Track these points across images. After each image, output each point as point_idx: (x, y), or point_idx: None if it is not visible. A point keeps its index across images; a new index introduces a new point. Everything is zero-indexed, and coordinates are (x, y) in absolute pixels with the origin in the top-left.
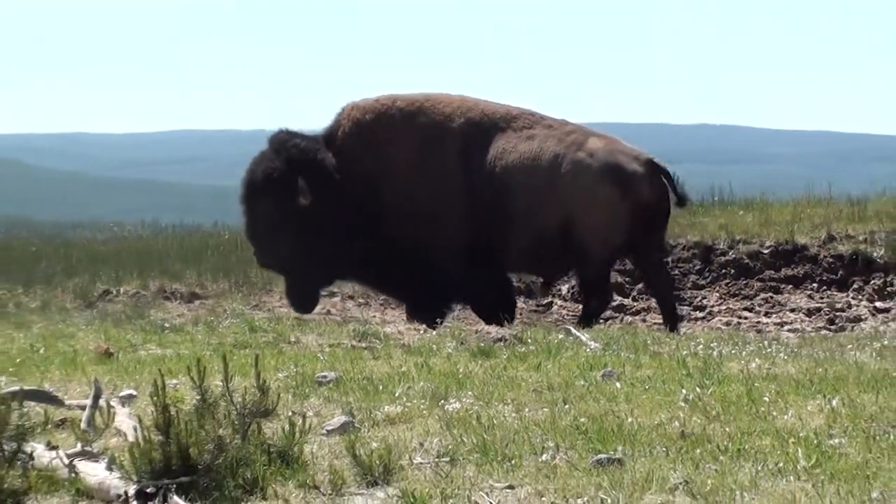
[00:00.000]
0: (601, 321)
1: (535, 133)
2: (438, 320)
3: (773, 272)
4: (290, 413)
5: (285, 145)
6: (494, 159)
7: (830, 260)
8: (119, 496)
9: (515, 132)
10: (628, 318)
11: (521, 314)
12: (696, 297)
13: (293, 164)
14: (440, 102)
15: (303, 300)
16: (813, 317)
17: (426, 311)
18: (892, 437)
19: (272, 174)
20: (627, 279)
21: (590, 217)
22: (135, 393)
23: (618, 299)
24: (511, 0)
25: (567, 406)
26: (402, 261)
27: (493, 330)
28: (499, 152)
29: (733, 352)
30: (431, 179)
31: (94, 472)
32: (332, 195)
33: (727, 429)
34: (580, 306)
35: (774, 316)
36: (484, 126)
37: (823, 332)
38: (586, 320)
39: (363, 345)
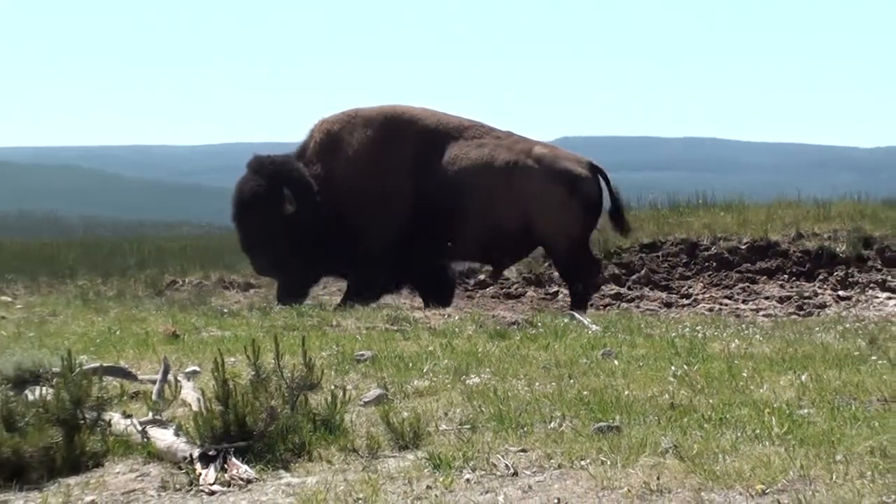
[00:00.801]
0: (601, 308)
1: (486, 142)
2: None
3: (749, 265)
4: (332, 386)
5: (262, 165)
6: (448, 164)
7: (799, 254)
8: (185, 458)
9: (467, 141)
10: (624, 305)
11: (532, 302)
12: (682, 287)
13: (273, 179)
14: (399, 111)
15: (293, 297)
16: (784, 304)
17: (371, 292)
18: (853, 408)
19: (257, 191)
20: (623, 270)
21: (547, 214)
22: (198, 369)
23: (615, 288)
24: (503, 13)
25: (572, 381)
26: (364, 250)
27: (508, 315)
28: (452, 158)
29: (715, 334)
30: (387, 179)
31: (163, 438)
32: (310, 202)
33: (711, 400)
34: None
35: (751, 303)
36: (438, 134)
37: (793, 317)
38: (578, 303)
39: (395, 328)
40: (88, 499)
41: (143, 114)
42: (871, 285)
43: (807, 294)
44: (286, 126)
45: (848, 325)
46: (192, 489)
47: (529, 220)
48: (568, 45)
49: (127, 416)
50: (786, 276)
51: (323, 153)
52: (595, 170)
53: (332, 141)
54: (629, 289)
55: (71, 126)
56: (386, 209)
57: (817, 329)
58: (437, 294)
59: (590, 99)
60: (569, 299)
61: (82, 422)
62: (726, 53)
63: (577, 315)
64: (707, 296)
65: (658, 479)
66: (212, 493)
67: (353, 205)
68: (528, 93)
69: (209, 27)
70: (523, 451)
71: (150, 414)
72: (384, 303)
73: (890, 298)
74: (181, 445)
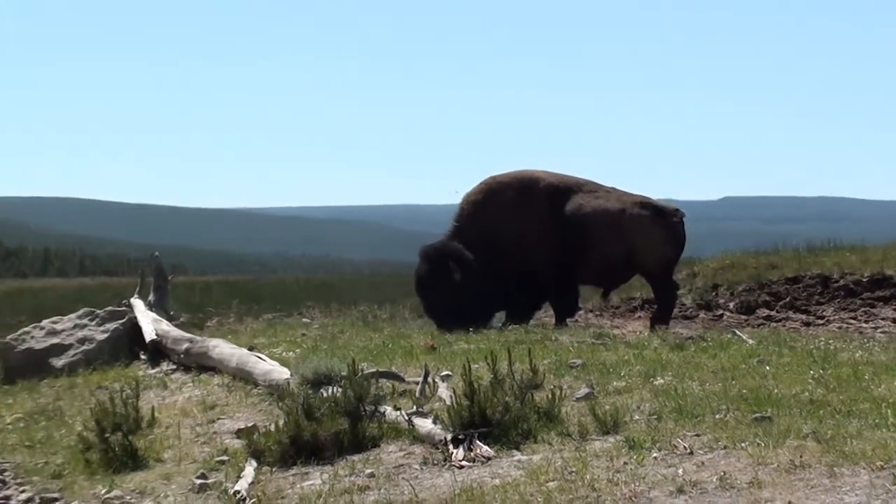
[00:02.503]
0: (756, 327)
1: (600, 195)
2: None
3: (869, 294)
4: (551, 386)
5: (429, 251)
6: (573, 211)
7: None
8: (441, 441)
9: (586, 194)
10: (773, 325)
11: (703, 321)
12: (818, 310)
13: (440, 260)
14: (527, 175)
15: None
16: None
17: (523, 316)
18: None
19: (430, 269)
20: (773, 298)
21: (649, 246)
22: (450, 373)
23: (766, 311)
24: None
25: (734, 382)
26: (514, 286)
27: (685, 332)
28: (576, 206)
29: (844, 346)
30: (529, 226)
31: (424, 425)
32: (470, 266)
33: (840, 397)
34: (745, 317)
35: (871, 323)
36: (562, 190)
37: None
38: (665, 311)
39: (599, 342)
40: (368, 471)
41: (413, 176)
42: None
43: None
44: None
45: None
46: (446, 464)
47: (633, 252)
48: (728, 114)
49: (397, 408)
50: None
51: (473, 218)
52: (680, 214)
53: (478, 207)
54: (777, 312)
55: (363, 188)
56: (534, 251)
57: None
58: (570, 309)
59: (748, 160)
60: (731, 320)
61: (363, 413)
62: (848, 120)
63: (737, 332)
64: (837, 317)
65: (801, 457)
66: (461, 467)
67: (508, 253)
68: (691, 154)
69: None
70: (697, 435)
71: (414, 407)
72: (591, 322)
73: None
74: (438, 431)
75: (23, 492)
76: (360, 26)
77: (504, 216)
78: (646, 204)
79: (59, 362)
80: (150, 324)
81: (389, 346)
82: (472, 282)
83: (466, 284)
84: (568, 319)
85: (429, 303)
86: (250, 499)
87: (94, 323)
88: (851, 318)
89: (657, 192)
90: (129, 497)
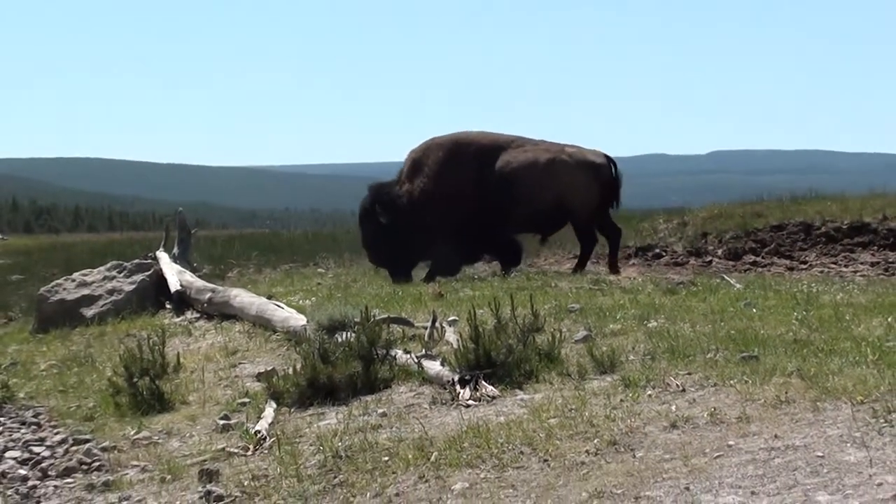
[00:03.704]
0: (742, 272)
1: (528, 149)
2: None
3: (849, 240)
4: (552, 330)
5: (370, 189)
6: (503, 165)
7: (885, 231)
8: (448, 381)
9: (515, 150)
10: (759, 270)
11: (693, 268)
12: (801, 256)
13: (372, 200)
14: (462, 137)
15: (400, 280)
16: (874, 267)
17: (449, 268)
18: None
19: (366, 208)
20: (758, 245)
21: (575, 193)
22: (457, 318)
23: (752, 258)
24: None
25: (723, 323)
26: (443, 237)
27: (676, 277)
28: (505, 163)
29: (825, 289)
30: (459, 180)
31: (432, 367)
32: (399, 211)
33: (822, 336)
34: (732, 263)
35: (850, 267)
36: (492, 149)
37: (881, 277)
38: (585, 256)
39: (596, 287)
40: (381, 411)
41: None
42: None
43: (891, 260)
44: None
45: None
46: (453, 403)
47: (561, 199)
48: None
49: (407, 352)
50: (875, 247)
51: (413, 171)
52: (609, 159)
53: (417, 162)
54: (762, 258)
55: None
56: (460, 206)
57: None
58: (511, 258)
59: (734, 116)
60: (720, 266)
61: (376, 356)
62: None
63: (725, 277)
64: (819, 262)
65: (786, 393)
66: (468, 406)
67: (438, 207)
68: (680, 110)
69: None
70: (689, 374)
71: (423, 350)
72: (588, 270)
73: None
74: (445, 372)
75: (57, 433)
76: None
77: (437, 174)
78: (572, 153)
79: (89, 312)
80: (175, 275)
81: (399, 293)
82: (395, 228)
83: (390, 229)
84: (513, 268)
85: (362, 236)
86: (270, 437)
87: (122, 275)
88: (832, 262)
89: (649, 147)
90: (156, 437)
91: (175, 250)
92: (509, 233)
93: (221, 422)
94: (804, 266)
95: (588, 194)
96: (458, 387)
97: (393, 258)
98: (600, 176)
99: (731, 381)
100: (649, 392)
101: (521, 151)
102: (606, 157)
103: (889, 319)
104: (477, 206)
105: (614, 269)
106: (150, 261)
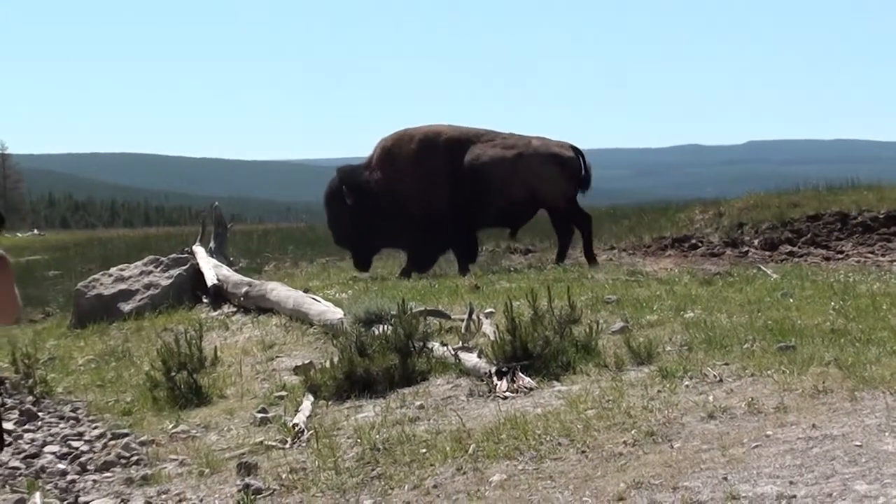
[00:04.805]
0: (779, 262)
1: (497, 143)
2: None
3: (885, 229)
4: (589, 321)
5: (339, 171)
6: (472, 159)
7: None
8: (485, 373)
9: (484, 143)
10: (796, 260)
11: (729, 258)
12: (838, 246)
13: (341, 181)
14: (432, 130)
15: (361, 264)
16: None
17: (425, 262)
18: None
19: (333, 189)
20: (795, 234)
21: (545, 185)
22: (493, 310)
23: (789, 248)
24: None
25: (759, 314)
26: (412, 229)
27: (712, 268)
28: (474, 156)
29: (862, 279)
30: (429, 173)
31: (469, 359)
32: (366, 196)
33: (860, 326)
34: (768, 253)
35: (887, 256)
36: (461, 142)
37: None
38: (564, 249)
39: (633, 279)
40: (418, 403)
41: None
42: None
43: None
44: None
45: None
46: (490, 395)
47: (533, 191)
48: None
49: (444, 344)
50: None
51: (382, 161)
52: (576, 151)
53: (387, 153)
54: (799, 248)
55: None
56: (429, 199)
57: None
58: (470, 256)
59: (771, 106)
60: (756, 256)
61: (412, 349)
62: (866, 64)
63: (762, 268)
64: (855, 252)
65: (824, 382)
66: (505, 398)
67: (407, 198)
68: (717, 100)
69: None
70: (726, 364)
71: (460, 343)
72: (623, 261)
73: None
74: (482, 364)
75: (95, 428)
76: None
77: (406, 166)
78: (538, 146)
79: (126, 307)
80: (212, 269)
81: (436, 286)
82: (361, 212)
83: (355, 213)
84: (470, 264)
85: (327, 216)
86: (308, 430)
87: (158, 269)
88: (869, 252)
89: (685, 138)
90: (194, 431)
91: (211, 244)
92: (477, 226)
93: (259, 415)
94: (841, 256)
95: (557, 186)
96: (495, 379)
97: (356, 241)
98: (567, 167)
99: (769, 371)
100: (686, 383)
101: (490, 146)
102: (573, 148)
103: None
104: (445, 198)
105: (591, 258)
106: (186, 255)
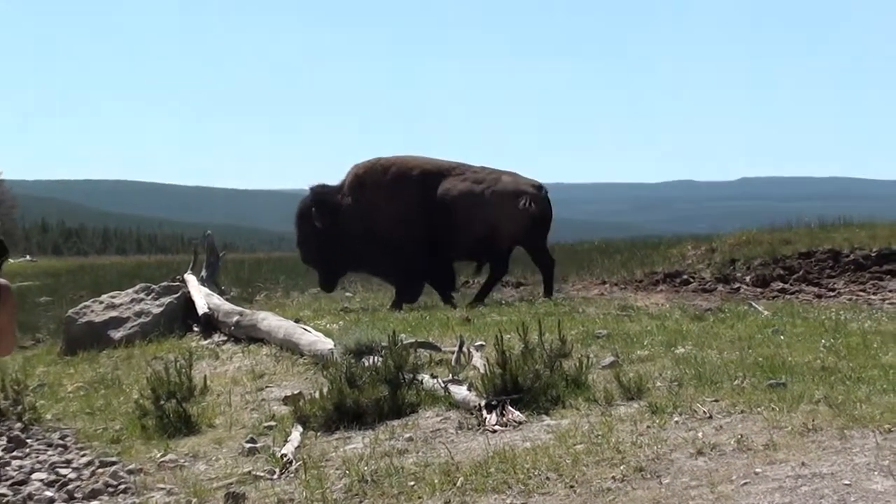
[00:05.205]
0: (771, 299)
1: (467, 177)
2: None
3: (878, 267)
4: (579, 355)
5: (311, 192)
6: (443, 193)
7: None
8: (475, 406)
9: (454, 177)
10: (787, 297)
11: (721, 294)
12: (829, 283)
13: (312, 203)
14: (405, 159)
15: (326, 284)
16: None
17: (409, 292)
18: None
19: (301, 208)
20: (786, 272)
21: (506, 222)
22: (484, 343)
23: (781, 284)
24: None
25: (750, 350)
26: (385, 257)
27: (704, 304)
28: (444, 190)
29: (853, 317)
30: (401, 205)
31: (459, 392)
32: (336, 219)
33: (850, 364)
34: (760, 290)
35: (879, 295)
36: (433, 175)
37: None
38: (492, 283)
39: (624, 313)
40: (407, 435)
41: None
42: None
43: None
44: None
45: None
46: (480, 429)
47: (493, 228)
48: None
49: (434, 376)
50: None
51: (354, 187)
52: (541, 188)
53: (359, 180)
54: (791, 285)
55: None
56: (397, 230)
57: None
58: (449, 287)
59: (764, 142)
60: (748, 293)
61: (402, 381)
62: (858, 102)
63: (753, 304)
64: (847, 290)
65: (813, 420)
66: (494, 431)
67: (375, 227)
68: (709, 137)
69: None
70: (716, 401)
71: (450, 375)
72: (614, 296)
73: None
74: (472, 397)
75: (83, 455)
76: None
77: (376, 195)
78: (507, 182)
79: (117, 334)
80: (203, 298)
81: (427, 318)
82: (329, 235)
83: (324, 235)
84: (448, 294)
85: (297, 235)
86: (296, 461)
87: (150, 297)
88: (861, 290)
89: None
90: (182, 460)
91: (203, 273)
92: (446, 259)
93: (248, 445)
94: (832, 293)
95: (518, 223)
96: (484, 412)
97: (323, 262)
98: (532, 205)
99: (759, 409)
100: (676, 419)
101: (460, 179)
102: (539, 186)
103: None
104: (415, 230)
105: (549, 294)
106: (177, 283)
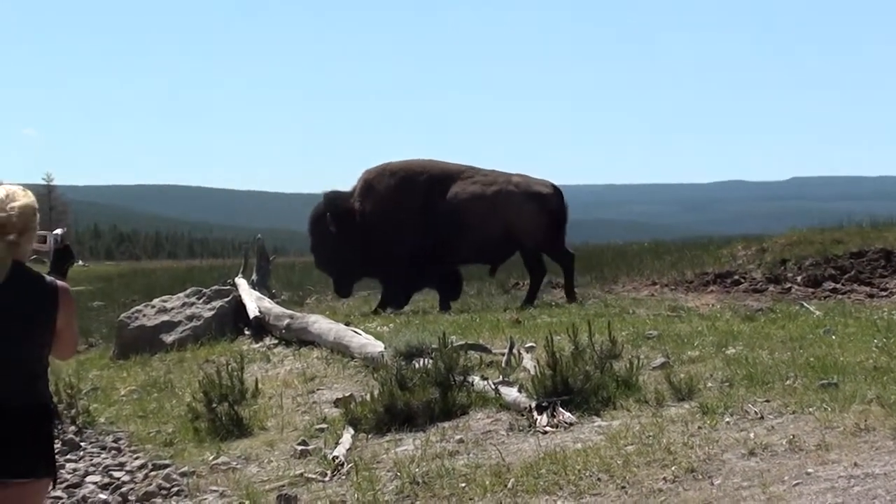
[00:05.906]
0: (822, 299)
1: (477, 179)
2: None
3: None
4: (629, 356)
5: (324, 197)
6: (451, 198)
7: None
8: (525, 408)
9: (464, 181)
10: (839, 297)
11: (772, 294)
12: (882, 283)
13: (326, 208)
14: (415, 165)
15: (341, 290)
16: None
17: (398, 297)
18: None
19: (315, 214)
20: (838, 271)
21: (522, 223)
22: (534, 345)
23: (832, 284)
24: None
25: (801, 350)
26: (394, 261)
27: (755, 304)
28: (453, 194)
29: None
30: (407, 212)
31: (509, 394)
32: (348, 225)
33: None
34: (811, 290)
35: None
36: (442, 179)
37: None
38: (535, 286)
39: (674, 314)
40: (458, 437)
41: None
42: None
43: None
44: None
45: None
46: (530, 430)
47: (509, 228)
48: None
49: (484, 378)
50: None
51: (364, 193)
52: (556, 189)
53: (369, 185)
54: (842, 284)
55: None
56: (406, 232)
57: None
58: (452, 291)
59: (815, 142)
60: (798, 293)
61: (453, 383)
62: None
63: (805, 304)
64: None
65: (866, 421)
66: (545, 432)
67: (385, 231)
68: (760, 136)
69: None
70: (767, 401)
71: (501, 377)
72: (665, 297)
73: None
74: (522, 399)
75: (136, 458)
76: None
77: (387, 199)
78: (518, 183)
79: (169, 338)
80: (254, 301)
81: (477, 320)
82: (343, 240)
83: (338, 240)
84: (450, 300)
85: (311, 241)
86: (348, 463)
87: (201, 301)
88: None
89: (729, 174)
90: (235, 462)
91: (254, 277)
92: (456, 262)
93: (299, 447)
94: (885, 293)
95: (534, 223)
96: (535, 413)
97: (337, 267)
98: (547, 205)
99: (810, 409)
100: (727, 419)
101: (470, 182)
102: (553, 186)
103: None
104: (425, 233)
105: (571, 296)
106: (228, 287)
